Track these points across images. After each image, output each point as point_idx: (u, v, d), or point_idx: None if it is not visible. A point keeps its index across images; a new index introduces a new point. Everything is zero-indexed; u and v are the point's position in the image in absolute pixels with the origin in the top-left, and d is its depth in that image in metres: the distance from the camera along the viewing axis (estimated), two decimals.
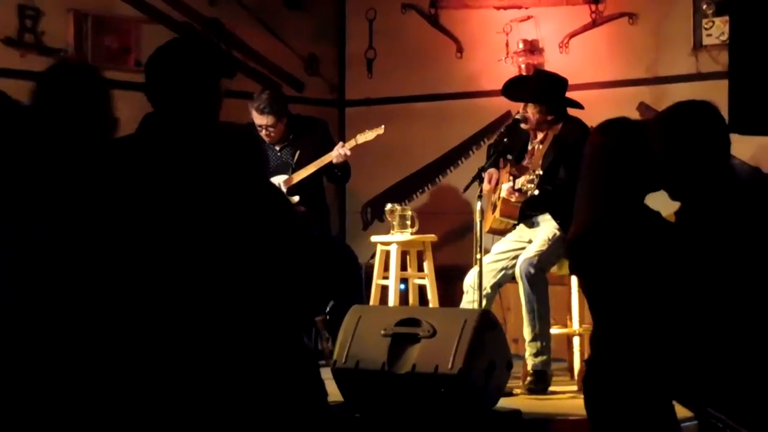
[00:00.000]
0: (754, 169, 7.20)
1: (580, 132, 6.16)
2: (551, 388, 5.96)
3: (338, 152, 6.80)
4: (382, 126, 6.88)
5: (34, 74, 6.94)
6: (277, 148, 7.03)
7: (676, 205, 3.49)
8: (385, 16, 8.66)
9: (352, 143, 6.88)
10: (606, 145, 3.54)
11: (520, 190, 6.00)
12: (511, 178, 6.10)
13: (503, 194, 6.11)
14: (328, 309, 6.52)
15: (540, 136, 6.22)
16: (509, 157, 6.26)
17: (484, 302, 5.90)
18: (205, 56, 3.25)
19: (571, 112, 6.26)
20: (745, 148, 7.12)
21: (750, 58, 4.18)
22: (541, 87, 6.21)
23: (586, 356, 6.63)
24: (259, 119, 6.89)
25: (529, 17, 8.00)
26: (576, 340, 6.23)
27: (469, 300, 6.04)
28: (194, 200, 3.05)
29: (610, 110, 7.66)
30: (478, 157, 7.67)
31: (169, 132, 3.15)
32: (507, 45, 7.99)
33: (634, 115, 7.61)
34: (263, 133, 6.92)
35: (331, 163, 6.84)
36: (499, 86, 6.49)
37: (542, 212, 6.12)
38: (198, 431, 2.99)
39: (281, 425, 3.07)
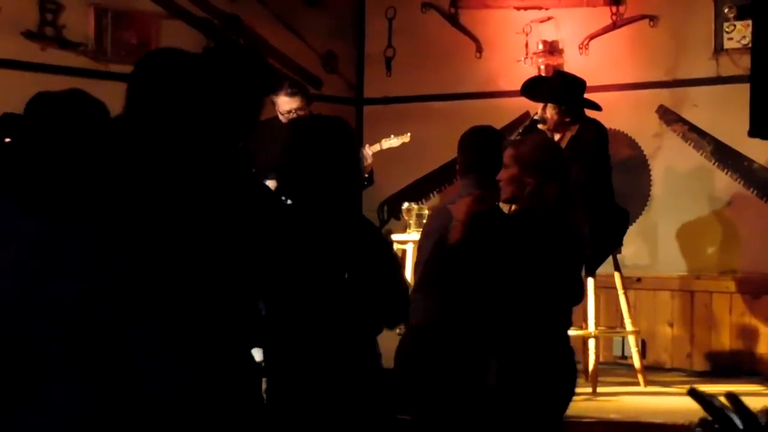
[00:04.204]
0: None
1: (597, 133, 6.14)
2: None
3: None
4: (408, 134, 6.81)
5: (53, 68, 7.07)
6: None
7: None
8: (404, 15, 8.64)
9: (376, 148, 6.79)
10: None
11: None
12: None
13: None
14: None
15: (557, 137, 6.20)
16: None
17: None
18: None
19: (589, 113, 6.25)
20: (761, 152, 7.09)
21: None
22: (561, 87, 6.21)
23: (601, 359, 6.62)
24: (290, 103, 6.76)
25: (549, 18, 7.97)
26: (591, 342, 6.22)
27: None
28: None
29: (629, 113, 7.71)
30: None
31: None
32: (526, 45, 7.96)
33: (653, 118, 7.60)
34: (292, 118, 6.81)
35: None
36: (517, 87, 6.48)
37: None
38: None
39: None
